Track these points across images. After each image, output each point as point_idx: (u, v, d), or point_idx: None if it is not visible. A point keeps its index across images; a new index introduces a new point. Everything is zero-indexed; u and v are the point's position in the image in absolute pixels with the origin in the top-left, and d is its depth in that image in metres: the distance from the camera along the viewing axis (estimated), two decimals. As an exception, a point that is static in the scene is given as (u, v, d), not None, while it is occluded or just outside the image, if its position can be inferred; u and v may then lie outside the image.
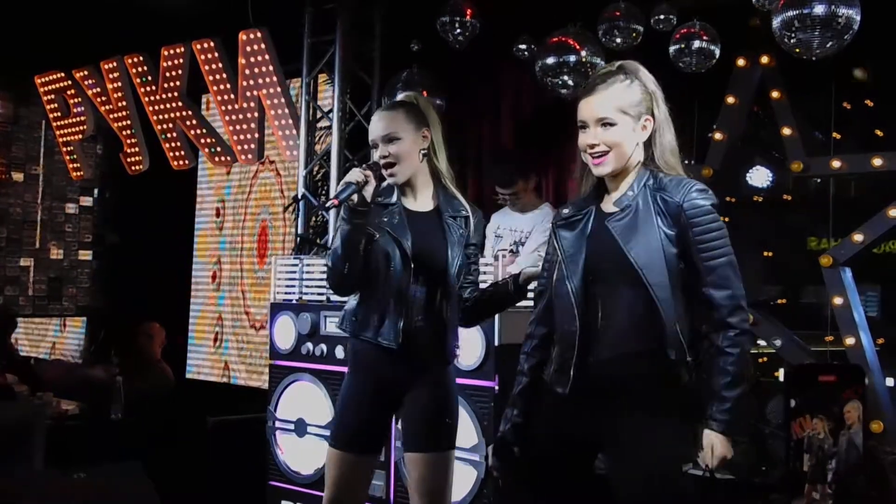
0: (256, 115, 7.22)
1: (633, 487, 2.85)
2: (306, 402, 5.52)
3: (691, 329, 2.89)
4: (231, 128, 7.39)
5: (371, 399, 3.65)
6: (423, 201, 3.68)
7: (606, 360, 2.88)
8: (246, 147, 7.35)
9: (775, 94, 6.35)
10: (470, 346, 4.81)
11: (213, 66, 7.43)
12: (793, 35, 4.69)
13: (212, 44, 7.43)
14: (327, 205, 3.43)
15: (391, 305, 3.58)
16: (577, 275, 2.91)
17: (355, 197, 3.43)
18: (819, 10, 4.60)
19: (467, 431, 4.77)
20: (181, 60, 7.73)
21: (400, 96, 3.84)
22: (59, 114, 9.03)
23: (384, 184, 3.61)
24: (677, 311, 2.85)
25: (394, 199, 3.65)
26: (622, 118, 2.90)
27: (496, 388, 4.71)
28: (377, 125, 3.63)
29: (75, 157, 9.13)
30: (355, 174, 3.46)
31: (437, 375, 3.66)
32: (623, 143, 2.90)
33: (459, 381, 4.71)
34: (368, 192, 3.49)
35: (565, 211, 3.05)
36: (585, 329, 2.90)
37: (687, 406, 2.90)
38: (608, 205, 2.99)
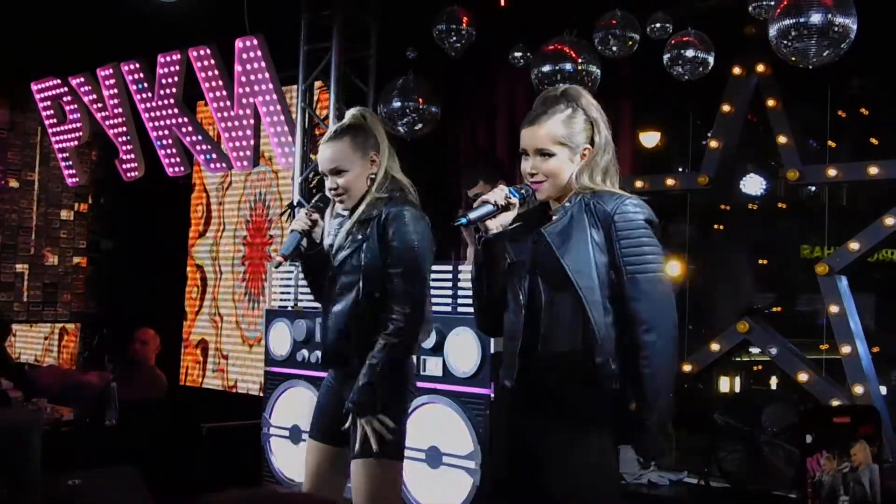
0: (252, 122, 7.22)
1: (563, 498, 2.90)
2: (301, 408, 5.52)
3: (619, 339, 2.91)
4: (227, 135, 7.39)
5: (335, 396, 3.65)
6: (357, 212, 3.63)
7: (543, 358, 2.93)
8: (241, 154, 7.35)
9: (771, 103, 6.36)
10: (465, 353, 4.81)
11: (209, 73, 7.44)
12: (789, 44, 4.70)
13: (208, 51, 7.43)
14: (274, 264, 3.45)
15: (325, 315, 3.64)
16: (524, 278, 2.98)
17: (305, 242, 3.49)
18: (816, 18, 4.60)
19: (462, 439, 4.78)
20: (177, 67, 7.73)
21: (347, 116, 3.69)
22: (54, 120, 9.03)
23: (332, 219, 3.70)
24: (606, 318, 2.88)
25: (344, 212, 3.67)
26: (560, 149, 2.98)
27: (492, 395, 4.71)
28: (324, 156, 3.58)
29: (71, 163, 9.13)
30: (301, 222, 3.51)
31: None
32: (560, 172, 2.98)
33: (455, 388, 4.74)
34: (318, 232, 3.56)
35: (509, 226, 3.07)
36: (528, 326, 2.95)
37: (611, 416, 2.91)
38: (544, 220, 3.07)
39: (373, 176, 3.57)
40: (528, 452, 2.97)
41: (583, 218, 2.93)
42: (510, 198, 2.93)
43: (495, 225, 2.94)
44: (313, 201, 3.65)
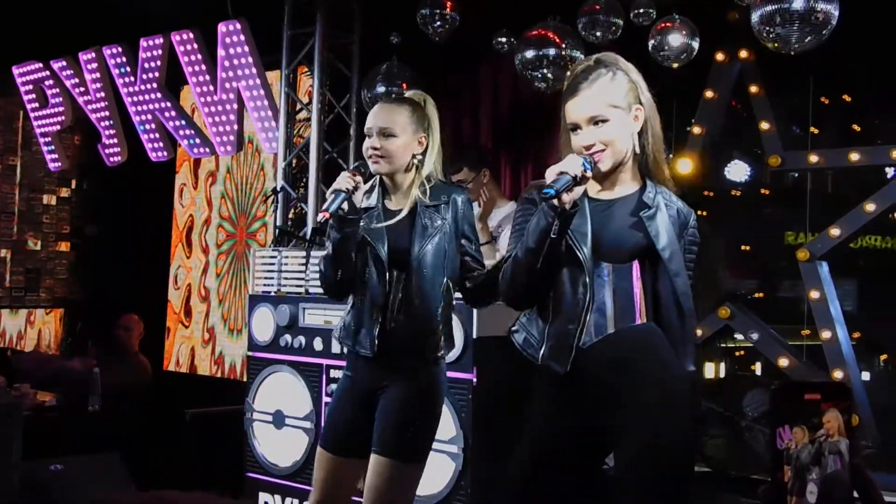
0: (235, 106, 7.19)
1: (646, 478, 2.76)
2: (284, 393, 5.51)
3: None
4: (210, 119, 7.36)
5: (353, 403, 3.58)
6: (404, 201, 3.56)
7: (615, 341, 2.85)
8: (224, 139, 7.33)
9: (754, 89, 6.38)
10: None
11: (192, 58, 7.40)
12: (771, 30, 4.71)
13: (191, 35, 7.39)
14: (318, 218, 3.34)
15: (368, 312, 3.51)
16: (587, 248, 2.84)
17: (345, 205, 3.37)
18: (797, 4, 4.61)
19: (446, 424, 4.78)
20: (160, 52, 7.69)
21: (409, 93, 3.70)
22: (36, 104, 8.97)
23: (368, 185, 3.54)
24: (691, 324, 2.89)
25: (374, 200, 3.57)
26: (614, 112, 2.84)
27: (474, 380, 4.71)
28: (378, 114, 3.54)
29: (53, 147, 9.08)
30: (344, 181, 3.39)
31: (417, 379, 3.51)
32: (618, 137, 2.85)
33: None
34: (358, 197, 3.44)
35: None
36: (591, 309, 2.84)
37: (692, 394, 2.88)
38: (599, 192, 2.94)
39: (419, 157, 3.56)
40: (595, 435, 2.87)
41: (666, 217, 2.88)
42: (585, 170, 2.75)
43: (569, 200, 2.73)
44: (355, 164, 3.57)
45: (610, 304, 2.85)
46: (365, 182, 3.50)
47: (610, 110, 2.84)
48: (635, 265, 2.86)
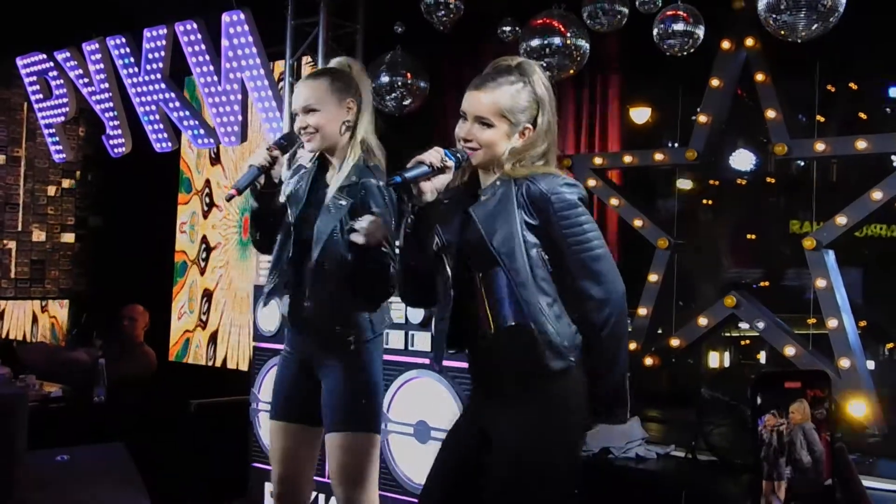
0: (239, 97, 7.17)
1: (500, 477, 2.85)
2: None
3: (568, 320, 2.86)
4: (214, 110, 7.35)
5: (293, 372, 3.66)
6: (341, 175, 3.56)
7: (473, 341, 2.93)
8: (229, 129, 7.31)
9: (760, 77, 6.35)
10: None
11: (196, 48, 7.38)
12: (778, 17, 4.69)
13: (194, 25, 7.37)
14: (226, 196, 3.33)
15: (288, 282, 3.56)
16: (451, 260, 2.92)
17: (262, 179, 3.37)
18: (804, -8, 4.60)
19: (451, 413, 4.78)
20: (163, 42, 7.67)
21: (332, 62, 3.73)
22: (40, 95, 8.96)
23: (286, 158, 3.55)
24: (539, 298, 2.82)
25: (308, 164, 3.60)
26: (500, 122, 2.88)
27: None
28: (300, 93, 3.55)
29: (57, 139, 9.07)
30: (260, 157, 3.39)
31: (350, 355, 3.54)
32: (495, 146, 2.89)
33: (444, 362, 4.73)
34: (277, 171, 3.43)
35: (440, 196, 2.94)
36: (457, 309, 2.91)
37: (565, 394, 2.86)
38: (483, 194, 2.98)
39: (348, 123, 3.55)
40: (470, 435, 2.98)
41: (511, 198, 2.84)
42: (446, 160, 2.82)
43: (430, 189, 2.80)
44: (277, 138, 3.58)
45: (484, 306, 2.88)
46: (284, 154, 3.48)
47: (498, 119, 2.88)
48: (497, 270, 2.86)
